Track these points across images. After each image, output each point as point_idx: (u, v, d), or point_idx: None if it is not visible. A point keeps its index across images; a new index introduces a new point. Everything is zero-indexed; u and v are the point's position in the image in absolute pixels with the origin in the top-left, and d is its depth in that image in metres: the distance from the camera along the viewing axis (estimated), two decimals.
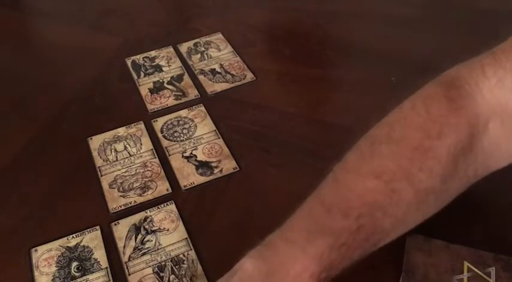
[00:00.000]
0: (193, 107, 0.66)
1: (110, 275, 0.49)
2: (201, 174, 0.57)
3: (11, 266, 0.51)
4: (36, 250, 0.51)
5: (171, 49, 0.75)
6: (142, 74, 0.71)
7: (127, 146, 0.61)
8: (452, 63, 0.45)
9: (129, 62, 0.73)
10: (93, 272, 0.49)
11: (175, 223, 0.53)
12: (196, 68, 0.72)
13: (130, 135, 0.62)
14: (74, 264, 0.50)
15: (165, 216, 0.54)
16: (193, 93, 0.68)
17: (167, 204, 0.55)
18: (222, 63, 0.72)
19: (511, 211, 0.51)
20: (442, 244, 0.47)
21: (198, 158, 0.59)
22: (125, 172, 0.58)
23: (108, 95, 0.69)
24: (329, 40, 0.77)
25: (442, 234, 0.47)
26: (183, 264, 0.49)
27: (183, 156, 0.60)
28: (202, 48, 0.75)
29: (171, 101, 0.67)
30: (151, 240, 0.52)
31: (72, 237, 0.52)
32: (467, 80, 0.43)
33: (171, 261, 0.50)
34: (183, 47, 0.75)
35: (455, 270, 0.45)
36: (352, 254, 0.39)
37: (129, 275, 0.49)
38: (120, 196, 0.56)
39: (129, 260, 0.50)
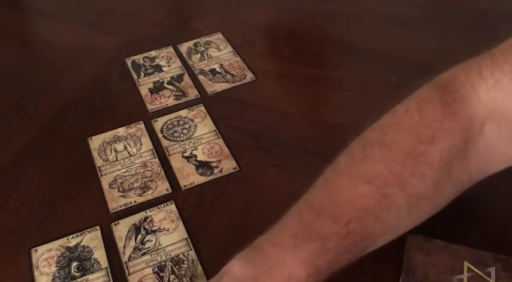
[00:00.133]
0: (193, 107, 0.66)
1: (110, 275, 0.49)
2: (201, 174, 0.57)
3: (11, 266, 0.51)
4: (36, 250, 0.51)
5: (171, 49, 0.75)
6: (142, 74, 0.71)
7: (127, 146, 0.61)
8: (452, 63, 0.45)
9: (129, 62, 0.73)
10: (93, 272, 0.49)
11: (175, 223, 0.53)
12: (196, 68, 0.72)
13: (130, 135, 0.62)
14: (74, 264, 0.50)
15: (165, 216, 0.54)
16: (193, 93, 0.68)
17: (167, 204, 0.55)
18: (222, 63, 0.72)
19: (511, 211, 0.51)
20: (442, 244, 0.47)
21: (198, 158, 0.59)
22: (125, 172, 0.58)
23: (108, 95, 0.69)
24: (329, 40, 0.77)
25: (442, 234, 0.47)
26: (183, 264, 0.50)
27: (183, 156, 0.60)
28: (202, 48, 0.75)
29: (171, 101, 0.67)
30: (151, 240, 0.52)
31: (72, 237, 0.52)
32: (462, 83, 0.42)
33: (171, 261, 0.50)
34: (183, 47, 0.75)
35: (455, 270, 0.45)
36: (341, 258, 0.39)
37: (129, 275, 0.49)
38: (120, 196, 0.56)
39: (129, 260, 0.50)
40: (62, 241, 0.52)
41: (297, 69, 0.71)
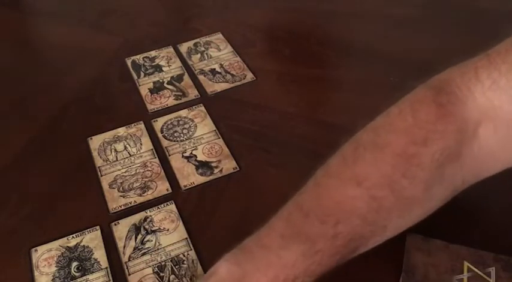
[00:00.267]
0: (193, 107, 0.66)
1: (110, 275, 0.49)
2: (201, 174, 0.57)
3: (11, 266, 0.51)
4: (36, 250, 0.51)
5: (171, 49, 0.75)
6: (142, 74, 0.71)
7: (127, 146, 0.61)
8: (452, 64, 0.45)
9: (129, 62, 0.73)
10: (93, 272, 0.49)
11: (175, 223, 0.53)
12: (196, 68, 0.72)
13: (130, 135, 0.62)
14: (74, 264, 0.50)
15: (165, 216, 0.54)
16: (193, 93, 0.68)
17: (167, 204, 0.55)
18: (222, 63, 0.72)
19: (511, 211, 0.51)
20: (441, 244, 0.47)
21: (198, 158, 0.59)
22: (125, 172, 0.58)
23: (108, 95, 0.69)
24: (329, 40, 0.77)
25: (442, 234, 0.47)
26: (183, 264, 0.50)
27: (183, 156, 0.60)
28: (202, 48, 0.75)
29: (171, 101, 0.67)
30: (151, 240, 0.52)
31: (72, 237, 0.52)
32: (458, 84, 0.42)
33: (171, 261, 0.50)
34: (183, 47, 0.75)
35: (455, 270, 0.45)
36: (329, 260, 0.39)
37: (129, 275, 0.49)
38: (120, 196, 0.56)
39: (129, 260, 0.50)
40: (62, 241, 0.52)
41: (297, 69, 0.71)
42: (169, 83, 0.70)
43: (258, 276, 0.37)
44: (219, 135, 0.62)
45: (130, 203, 0.55)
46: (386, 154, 0.40)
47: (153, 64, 0.73)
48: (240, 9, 0.83)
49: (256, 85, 0.69)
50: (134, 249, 0.51)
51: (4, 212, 0.55)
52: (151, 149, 0.61)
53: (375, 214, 0.40)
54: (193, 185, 0.56)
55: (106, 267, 0.50)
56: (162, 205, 0.55)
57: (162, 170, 0.58)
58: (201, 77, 0.70)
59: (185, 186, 0.56)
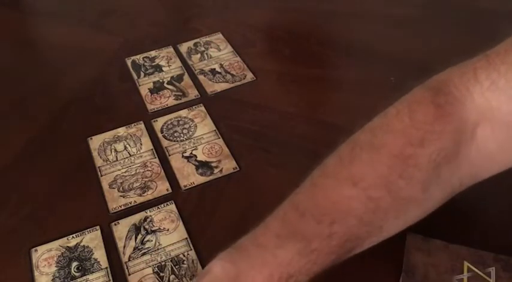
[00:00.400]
0: (193, 107, 0.66)
1: (110, 275, 0.49)
2: (201, 174, 0.57)
3: (11, 266, 0.51)
4: (36, 250, 0.51)
5: (171, 49, 0.75)
6: (142, 74, 0.71)
7: (127, 146, 0.61)
8: (451, 64, 0.45)
9: (129, 62, 0.73)
10: (93, 272, 0.49)
11: (175, 223, 0.53)
12: (196, 68, 0.72)
13: (130, 135, 0.62)
14: (74, 264, 0.50)
15: (165, 216, 0.54)
16: (193, 93, 0.68)
17: (167, 204, 0.55)
18: (222, 63, 0.72)
19: (511, 211, 0.51)
20: (441, 244, 0.47)
21: (198, 158, 0.59)
22: (125, 172, 0.58)
23: (108, 95, 0.69)
24: (329, 40, 0.77)
25: (442, 234, 0.47)
26: (183, 264, 0.50)
27: (183, 156, 0.60)
28: (202, 48, 0.75)
29: (171, 101, 0.67)
30: (151, 240, 0.52)
31: (72, 237, 0.52)
32: (457, 85, 0.42)
33: (171, 261, 0.50)
34: (183, 47, 0.75)
35: (455, 270, 0.45)
36: (324, 260, 0.38)
37: (129, 275, 0.49)
38: (120, 196, 0.56)
39: (129, 260, 0.50)
40: (62, 241, 0.52)
41: (297, 69, 0.71)
42: (169, 83, 0.70)
43: (252, 274, 0.37)
44: (219, 135, 0.62)
45: (130, 203, 0.55)
46: (382, 155, 0.40)
47: (153, 64, 0.73)
48: (240, 9, 0.83)
49: (256, 85, 0.69)
50: (134, 249, 0.51)
51: (4, 212, 0.55)
52: (151, 149, 0.61)
53: (371, 215, 0.40)
54: (193, 185, 0.56)
55: (106, 267, 0.50)
56: (162, 205, 0.55)
57: (162, 170, 0.58)
58: (201, 77, 0.70)
59: (185, 186, 0.56)
